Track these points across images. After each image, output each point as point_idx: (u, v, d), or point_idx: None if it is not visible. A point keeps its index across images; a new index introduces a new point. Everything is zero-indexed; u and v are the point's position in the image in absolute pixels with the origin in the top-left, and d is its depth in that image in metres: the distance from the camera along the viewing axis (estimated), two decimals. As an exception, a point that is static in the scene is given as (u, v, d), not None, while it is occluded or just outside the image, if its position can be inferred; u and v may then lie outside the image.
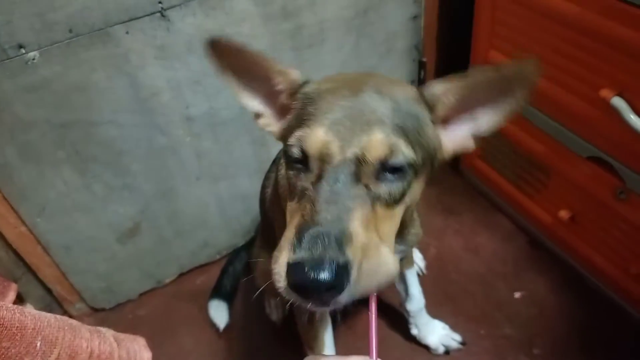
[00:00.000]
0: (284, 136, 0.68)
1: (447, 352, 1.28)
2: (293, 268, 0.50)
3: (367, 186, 0.58)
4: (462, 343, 1.28)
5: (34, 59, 1.03)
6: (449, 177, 1.77)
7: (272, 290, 1.50)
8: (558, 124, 1.20)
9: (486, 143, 1.51)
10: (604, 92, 1.02)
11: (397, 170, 0.59)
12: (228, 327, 1.40)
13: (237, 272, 1.51)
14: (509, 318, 1.33)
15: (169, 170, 1.33)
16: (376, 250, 0.54)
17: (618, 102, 1.00)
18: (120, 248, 1.41)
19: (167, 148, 1.28)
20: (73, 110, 1.12)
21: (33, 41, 1.01)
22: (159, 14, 1.09)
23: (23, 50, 1.01)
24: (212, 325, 1.41)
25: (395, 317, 1.34)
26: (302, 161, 0.60)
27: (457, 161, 1.72)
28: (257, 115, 0.75)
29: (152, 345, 1.18)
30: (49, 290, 1.41)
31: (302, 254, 0.50)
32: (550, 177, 1.32)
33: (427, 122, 0.65)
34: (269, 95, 0.73)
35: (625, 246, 1.18)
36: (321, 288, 0.49)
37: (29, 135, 1.12)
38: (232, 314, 1.43)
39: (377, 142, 0.58)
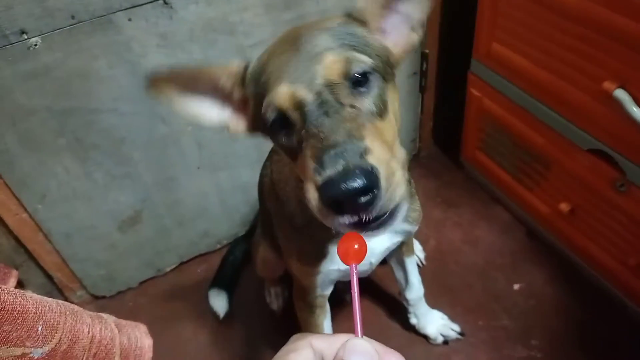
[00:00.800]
0: (255, 121, 0.70)
1: (445, 342, 1.28)
2: (324, 188, 0.51)
3: (352, 105, 0.59)
4: (461, 333, 1.29)
5: (35, 45, 1.03)
6: (449, 169, 1.77)
7: (273, 279, 1.51)
8: (559, 116, 1.20)
9: (487, 135, 1.51)
10: (607, 84, 1.02)
11: (364, 79, 0.61)
12: (228, 315, 1.41)
13: (237, 262, 1.51)
14: (507, 309, 1.34)
15: (169, 160, 1.33)
16: (394, 163, 0.55)
17: (621, 94, 1.00)
18: (121, 236, 1.41)
19: (168, 137, 1.29)
20: (74, 98, 1.12)
21: (35, 27, 1.01)
22: (161, 2, 1.08)
23: (25, 36, 1.01)
24: (212, 314, 1.41)
25: (394, 307, 1.35)
26: (283, 124, 0.62)
27: (457, 154, 1.72)
28: (226, 127, 0.75)
29: (152, 333, 1.18)
30: (49, 278, 1.42)
31: (327, 172, 0.50)
32: (550, 169, 1.32)
33: (366, 34, 0.67)
34: (225, 100, 0.73)
35: (624, 239, 1.18)
36: (356, 195, 0.49)
37: (30, 123, 1.11)
38: (232, 303, 1.44)
39: (332, 62, 0.60)
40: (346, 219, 0.52)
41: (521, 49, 1.23)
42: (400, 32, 0.71)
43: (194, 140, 1.32)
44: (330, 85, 0.59)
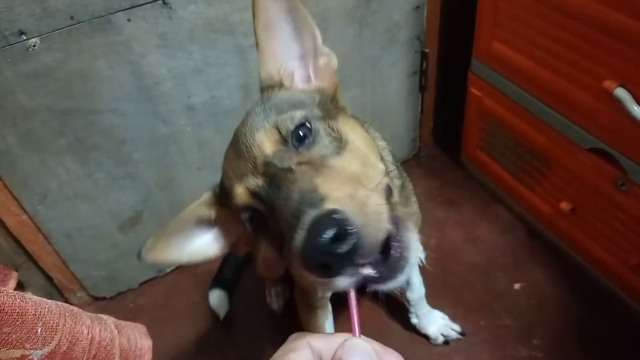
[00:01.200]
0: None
1: (446, 342, 1.28)
2: (302, 257, 0.47)
3: (301, 163, 0.57)
4: (462, 333, 1.29)
5: (34, 46, 1.03)
6: (449, 169, 1.77)
7: (273, 279, 1.50)
8: (559, 115, 1.20)
9: (487, 135, 1.51)
10: (607, 83, 1.02)
11: (305, 130, 0.60)
12: (228, 316, 1.41)
13: (238, 262, 1.51)
14: (508, 309, 1.34)
15: (170, 160, 1.33)
16: (363, 194, 0.50)
17: (621, 93, 0.99)
18: (122, 237, 1.41)
19: (169, 137, 1.28)
20: (75, 98, 1.12)
21: (34, 28, 1.01)
22: (160, 2, 1.08)
23: (24, 37, 1.01)
24: (213, 314, 1.41)
25: (395, 307, 1.35)
26: (256, 212, 0.61)
27: (458, 153, 1.72)
28: (233, 247, 0.75)
29: (153, 334, 1.18)
30: (49, 279, 1.42)
31: (297, 241, 0.47)
32: (551, 168, 1.31)
33: (286, 93, 0.68)
34: (218, 227, 0.73)
35: (625, 237, 1.18)
36: (330, 243, 0.44)
37: (31, 123, 1.11)
38: (233, 303, 1.44)
39: (262, 138, 0.60)
40: (347, 278, 0.46)
41: (521, 48, 1.22)
42: (313, 67, 0.71)
43: (194, 140, 1.32)
44: (270, 160, 0.58)
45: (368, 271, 0.46)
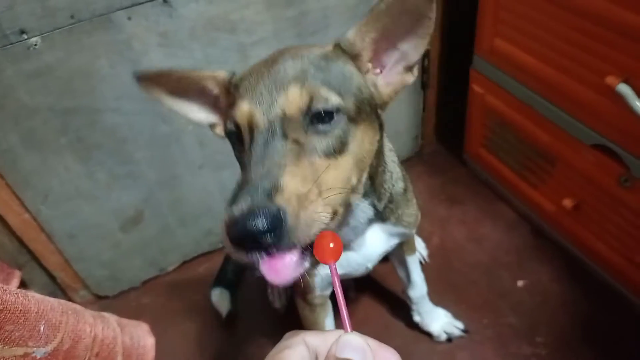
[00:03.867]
0: None
1: (449, 339, 1.28)
2: (230, 226, 0.51)
3: (296, 140, 0.59)
4: (465, 331, 1.28)
5: (35, 45, 1.03)
6: (453, 166, 1.76)
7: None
8: (562, 112, 1.19)
9: (490, 132, 1.50)
10: (610, 79, 1.01)
11: (326, 118, 0.61)
12: (231, 314, 1.40)
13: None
14: (512, 307, 1.33)
15: (172, 159, 1.33)
16: (312, 200, 0.54)
17: (624, 88, 0.99)
18: (124, 236, 1.41)
19: (170, 136, 1.28)
20: (76, 97, 1.12)
21: (35, 27, 1.01)
22: (161, 0, 1.08)
23: (25, 36, 1.01)
24: (215, 313, 1.41)
25: (397, 304, 1.34)
26: (238, 138, 0.64)
27: (460, 151, 1.71)
28: (212, 126, 0.81)
29: (155, 332, 1.19)
30: (52, 278, 1.42)
31: (233, 211, 0.51)
32: (554, 165, 1.31)
33: (352, 70, 0.67)
34: (213, 104, 0.78)
35: (629, 234, 1.17)
36: (256, 235, 0.49)
37: (32, 122, 1.12)
38: (235, 302, 1.44)
39: (293, 95, 0.60)
40: (254, 256, 0.51)
41: (524, 44, 1.22)
42: (394, 71, 0.71)
43: (195, 139, 1.32)
44: (284, 118, 0.59)
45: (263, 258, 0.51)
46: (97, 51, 1.09)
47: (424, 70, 1.57)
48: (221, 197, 1.48)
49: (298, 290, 1.04)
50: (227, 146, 1.41)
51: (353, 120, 0.63)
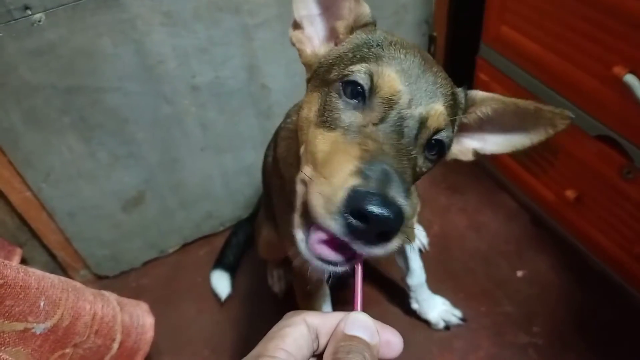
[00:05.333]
0: (325, 65, 0.67)
1: (447, 327, 1.28)
2: (362, 195, 0.46)
3: (416, 153, 0.59)
4: (463, 319, 1.29)
5: (39, 21, 1.02)
6: (455, 155, 1.76)
7: (275, 261, 1.50)
8: (567, 102, 1.18)
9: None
10: (617, 69, 1.00)
11: (435, 147, 0.61)
12: (230, 297, 1.41)
13: (241, 244, 1.52)
14: (510, 296, 1.34)
15: (173, 140, 1.33)
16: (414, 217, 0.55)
17: (631, 79, 0.98)
18: (125, 216, 1.42)
19: (172, 117, 1.28)
20: (79, 76, 1.12)
21: (39, 3, 1.00)
22: (165, -21, 1.07)
23: (29, 12, 1.00)
24: (215, 295, 1.42)
25: (395, 292, 1.35)
26: (360, 94, 0.59)
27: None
28: (296, 25, 0.71)
29: (155, 313, 1.19)
30: (53, 257, 1.42)
31: (375, 184, 0.47)
32: (557, 156, 1.30)
33: (457, 120, 0.67)
34: (326, 10, 0.70)
35: (629, 226, 1.17)
36: (380, 225, 0.46)
37: (35, 100, 1.11)
38: (235, 285, 1.44)
39: (440, 112, 0.59)
40: (347, 237, 0.47)
41: (531, 33, 1.21)
42: (468, 144, 0.73)
43: (198, 121, 1.31)
44: (422, 123, 0.58)
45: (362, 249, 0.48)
46: (100, 30, 1.08)
47: (429, 58, 1.56)
48: (222, 181, 1.48)
49: (296, 275, 1.04)
50: (229, 129, 1.40)
51: (435, 164, 0.65)
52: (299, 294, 1.06)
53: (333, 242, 0.49)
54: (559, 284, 1.35)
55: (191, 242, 1.59)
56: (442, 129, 0.60)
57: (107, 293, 1.04)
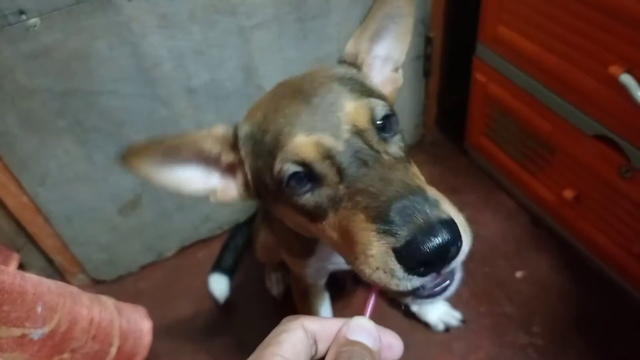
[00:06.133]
0: (252, 185, 0.65)
1: (446, 329, 1.28)
2: (406, 249, 0.45)
3: (386, 152, 0.56)
4: (462, 320, 1.28)
5: (34, 26, 1.01)
6: (453, 155, 1.76)
7: (273, 264, 1.50)
8: (565, 101, 1.18)
9: (492, 121, 1.49)
10: (613, 69, 1.00)
11: (386, 124, 0.59)
12: (228, 301, 1.41)
13: (239, 247, 1.51)
14: (510, 296, 1.33)
15: (170, 143, 1.32)
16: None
17: (627, 79, 0.98)
18: (122, 220, 1.41)
19: (169, 120, 1.27)
20: (74, 79, 1.11)
21: (34, 7, 0.99)
22: (161, -19, 1.07)
23: (24, 17, 1.00)
24: (213, 298, 1.41)
25: (395, 293, 1.34)
26: (308, 178, 0.56)
27: (461, 140, 1.70)
28: (212, 193, 0.69)
29: (153, 317, 1.19)
30: (50, 261, 1.42)
31: (406, 231, 0.45)
32: (555, 155, 1.30)
33: (365, 79, 0.68)
34: (212, 166, 0.68)
35: (628, 226, 1.17)
36: (445, 250, 0.44)
37: (30, 104, 1.11)
38: (233, 288, 1.44)
39: (356, 108, 0.57)
40: (429, 280, 0.47)
41: (527, 32, 1.21)
42: (385, 75, 0.73)
43: (194, 123, 1.31)
44: (358, 133, 0.55)
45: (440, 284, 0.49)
46: (96, 33, 1.07)
47: (426, 58, 1.56)
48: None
49: (293, 277, 1.04)
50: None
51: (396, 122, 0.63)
52: (296, 297, 1.06)
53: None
54: (559, 284, 1.35)
55: (189, 246, 1.59)
56: (373, 116, 0.57)
57: (104, 297, 1.04)
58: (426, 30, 1.50)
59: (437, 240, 0.44)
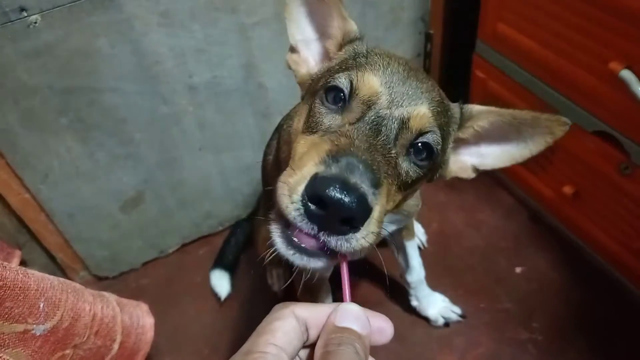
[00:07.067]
0: (315, 80, 0.71)
1: (446, 324, 1.29)
2: (320, 180, 0.47)
3: (395, 154, 0.58)
4: (462, 316, 1.29)
5: (35, 23, 1.02)
6: (453, 152, 1.76)
7: (275, 260, 1.51)
8: (564, 98, 1.19)
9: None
10: (613, 65, 1.00)
11: (423, 152, 0.61)
12: (230, 297, 1.42)
13: (240, 243, 1.52)
14: (509, 292, 1.34)
15: (172, 140, 1.33)
16: (382, 220, 0.53)
17: (627, 74, 0.98)
18: (124, 217, 1.42)
19: (170, 117, 1.28)
20: (76, 77, 1.12)
21: (35, 4, 1.00)
22: (162, -21, 1.07)
23: (25, 14, 1.00)
24: (214, 295, 1.42)
25: (395, 289, 1.35)
26: (342, 99, 0.61)
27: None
28: (292, 49, 0.76)
29: (155, 313, 1.19)
30: (52, 258, 1.42)
31: (336, 171, 0.48)
32: (554, 152, 1.31)
33: (451, 132, 0.68)
34: (318, 32, 0.75)
35: (627, 222, 1.18)
36: (339, 211, 0.46)
37: (32, 101, 1.11)
38: (234, 284, 1.45)
39: (423, 115, 0.60)
40: (306, 225, 0.48)
41: (527, 29, 1.21)
42: (467, 161, 0.74)
43: (195, 121, 1.31)
44: (402, 125, 0.59)
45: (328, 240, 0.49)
46: (97, 30, 1.08)
47: (426, 55, 1.56)
48: (221, 180, 1.48)
49: (298, 274, 1.04)
50: (227, 129, 1.40)
51: (430, 172, 0.65)
52: (300, 293, 1.06)
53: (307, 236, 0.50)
54: (558, 280, 1.35)
55: (190, 242, 1.59)
56: (426, 132, 0.60)
57: (106, 294, 1.04)
58: (426, 27, 1.50)
59: (343, 197, 0.45)
